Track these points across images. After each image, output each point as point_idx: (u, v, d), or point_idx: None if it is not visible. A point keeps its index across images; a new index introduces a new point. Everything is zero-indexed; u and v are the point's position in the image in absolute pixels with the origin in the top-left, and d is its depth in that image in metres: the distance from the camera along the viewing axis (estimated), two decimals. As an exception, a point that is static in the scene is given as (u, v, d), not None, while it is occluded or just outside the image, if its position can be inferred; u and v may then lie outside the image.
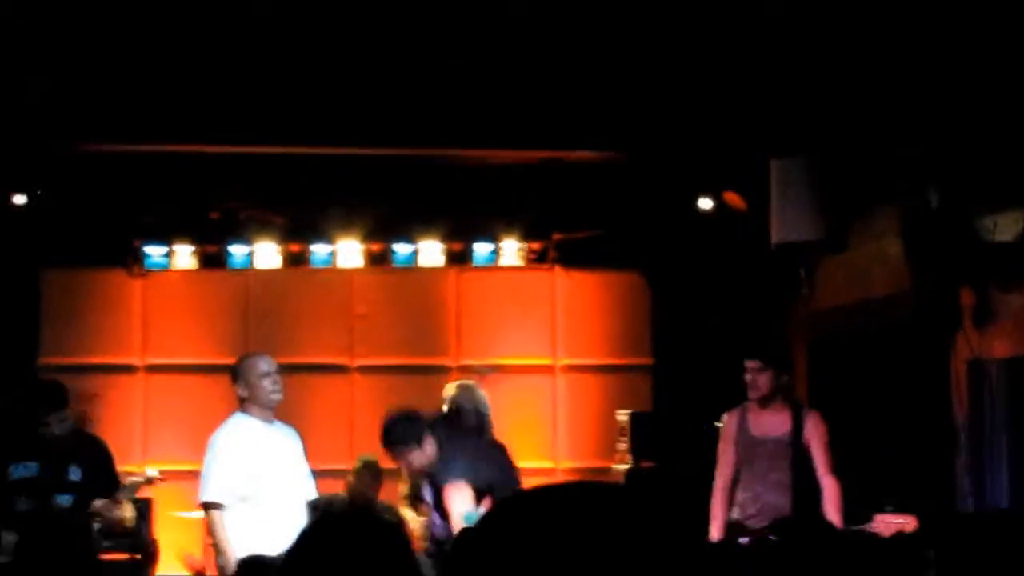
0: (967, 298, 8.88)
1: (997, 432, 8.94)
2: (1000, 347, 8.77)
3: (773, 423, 8.03)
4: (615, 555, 1.69)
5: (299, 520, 7.32)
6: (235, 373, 7.80)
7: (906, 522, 7.54)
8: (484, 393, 8.24)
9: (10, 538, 7.74)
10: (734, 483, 8.10)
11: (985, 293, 8.74)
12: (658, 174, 10.44)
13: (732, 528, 8.03)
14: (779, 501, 7.88)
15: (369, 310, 11.24)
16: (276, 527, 7.16)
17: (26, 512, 7.83)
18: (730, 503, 8.11)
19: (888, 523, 7.51)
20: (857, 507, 7.80)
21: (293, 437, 7.81)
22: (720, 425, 8.27)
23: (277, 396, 7.72)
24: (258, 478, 7.60)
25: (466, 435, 7.88)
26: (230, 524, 7.53)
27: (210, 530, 7.66)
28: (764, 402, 8.00)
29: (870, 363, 9.73)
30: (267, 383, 7.73)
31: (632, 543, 1.71)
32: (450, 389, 8.35)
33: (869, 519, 7.59)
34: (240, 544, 7.26)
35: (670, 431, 10.33)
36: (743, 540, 7.86)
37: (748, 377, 8.05)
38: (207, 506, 7.62)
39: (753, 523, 7.95)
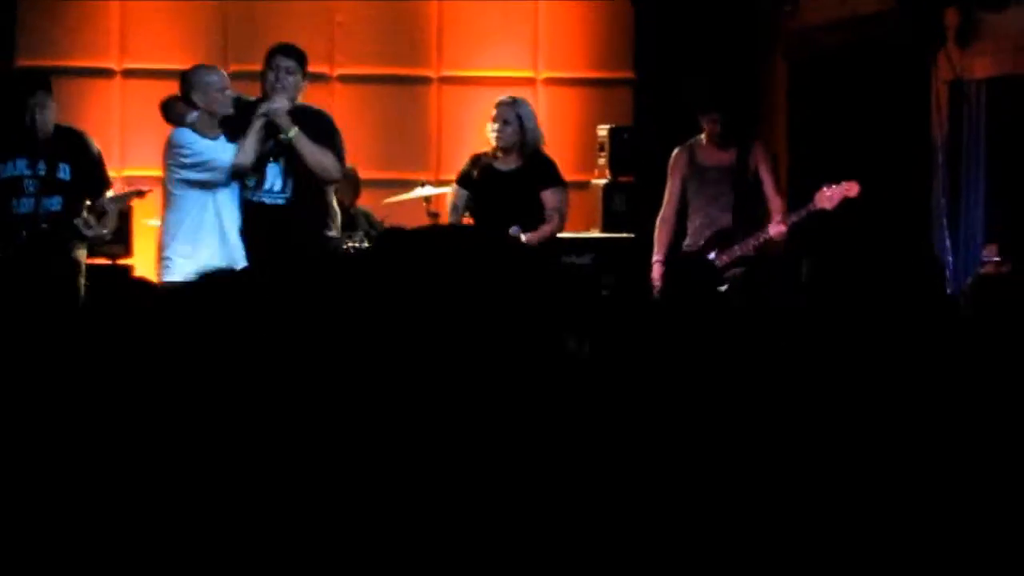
0: (951, 17, 8.79)
1: (975, 153, 8.96)
2: (981, 67, 8.73)
3: (721, 154, 8.33)
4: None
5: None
6: (189, 83, 7.88)
7: (848, 188, 7.75)
8: None
9: None
10: (684, 215, 8.46)
11: (969, 12, 8.65)
12: None
13: (687, 254, 8.40)
14: (727, 221, 8.26)
15: (349, 18, 11.10)
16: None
17: (22, 216, 7.69)
18: (682, 233, 8.47)
19: (830, 195, 7.75)
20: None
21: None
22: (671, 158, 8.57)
23: (227, 110, 7.86)
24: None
25: None
26: None
27: None
28: (720, 140, 8.33)
29: (852, 82, 9.68)
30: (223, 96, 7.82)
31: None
32: None
33: (810, 199, 7.94)
34: None
35: (649, 146, 10.32)
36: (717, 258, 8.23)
37: (708, 126, 8.36)
38: None
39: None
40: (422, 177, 10.35)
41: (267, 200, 7.81)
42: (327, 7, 11.00)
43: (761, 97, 10.52)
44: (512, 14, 11.21)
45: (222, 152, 7.70)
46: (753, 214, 8.34)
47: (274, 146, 7.80)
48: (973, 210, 8.92)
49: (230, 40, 10.89)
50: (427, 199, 9.71)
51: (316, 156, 7.65)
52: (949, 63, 8.86)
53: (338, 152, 7.80)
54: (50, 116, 7.73)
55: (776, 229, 8.13)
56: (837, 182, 7.97)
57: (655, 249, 8.59)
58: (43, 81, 7.85)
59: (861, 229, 7.86)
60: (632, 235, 10.14)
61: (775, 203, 8.36)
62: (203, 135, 7.75)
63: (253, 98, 8.11)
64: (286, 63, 7.84)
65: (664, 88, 10.76)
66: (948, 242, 8.85)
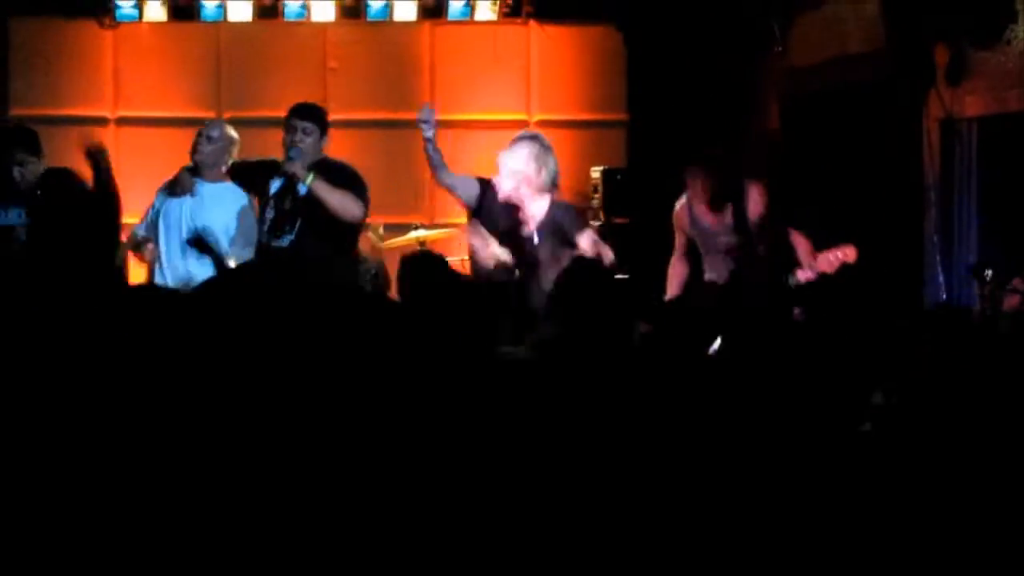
0: (941, 56, 8.83)
1: (967, 191, 8.98)
2: (972, 106, 8.76)
3: (717, 214, 8.02)
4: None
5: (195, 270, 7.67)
6: None
7: (845, 254, 7.70)
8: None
9: None
10: (698, 259, 8.23)
11: (959, 51, 8.68)
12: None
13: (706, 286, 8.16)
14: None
15: (342, 64, 11.16)
16: (171, 271, 7.58)
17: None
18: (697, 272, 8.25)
19: (829, 259, 7.69)
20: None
21: (228, 199, 7.92)
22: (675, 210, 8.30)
23: (195, 156, 7.98)
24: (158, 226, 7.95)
25: None
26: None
27: None
28: (712, 206, 8.03)
29: (843, 121, 9.71)
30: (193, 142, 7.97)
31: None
32: None
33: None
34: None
35: (643, 188, 10.34)
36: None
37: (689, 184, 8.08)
38: None
39: None
40: (416, 220, 10.45)
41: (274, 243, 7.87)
42: (319, 54, 11.05)
43: (753, 137, 10.55)
44: (504, 57, 11.27)
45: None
46: (764, 267, 8.00)
47: (293, 203, 7.81)
48: (966, 248, 8.93)
49: (223, 88, 10.94)
50: (421, 241, 9.76)
51: (335, 197, 7.67)
52: (940, 102, 8.88)
53: (360, 195, 7.79)
54: (32, 172, 7.96)
55: (805, 276, 7.82)
56: (835, 244, 7.78)
57: (668, 286, 8.34)
58: (27, 140, 8.02)
59: (855, 267, 7.86)
60: (627, 277, 10.13)
61: (801, 245, 7.97)
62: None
63: (255, 159, 8.15)
64: (302, 124, 7.83)
65: (657, 129, 10.80)
66: (942, 279, 8.86)
